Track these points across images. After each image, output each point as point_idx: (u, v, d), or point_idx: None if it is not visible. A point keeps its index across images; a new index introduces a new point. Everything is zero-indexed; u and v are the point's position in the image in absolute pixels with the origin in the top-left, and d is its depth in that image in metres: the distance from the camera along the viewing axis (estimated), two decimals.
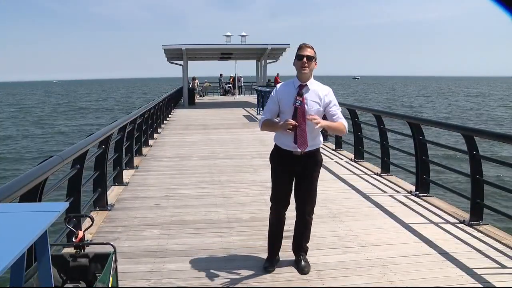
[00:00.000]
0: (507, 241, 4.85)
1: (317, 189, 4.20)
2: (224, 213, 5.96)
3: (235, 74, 35.01)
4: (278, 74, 35.53)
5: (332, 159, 9.75)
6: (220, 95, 38.04)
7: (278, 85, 4.24)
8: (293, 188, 4.19)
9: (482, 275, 4.02)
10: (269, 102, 4.19)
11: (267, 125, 4.13)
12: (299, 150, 3.99)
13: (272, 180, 4.27)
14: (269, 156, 4.27)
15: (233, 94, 34.94)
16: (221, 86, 38.92)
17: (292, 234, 4.36)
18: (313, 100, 4.00)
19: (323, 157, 4.38)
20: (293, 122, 3.88)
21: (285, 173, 4.12)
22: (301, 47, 4.03)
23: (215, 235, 5.16)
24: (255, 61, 33.58)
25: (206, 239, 5.04)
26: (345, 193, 6.97)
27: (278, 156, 4.15)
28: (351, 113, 9.65)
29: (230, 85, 36.98)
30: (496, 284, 3.85)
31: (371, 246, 4.77)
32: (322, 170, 4.29)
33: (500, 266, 4.25)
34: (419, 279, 4.02)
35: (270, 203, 4.32)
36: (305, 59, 3.98)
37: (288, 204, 4.24)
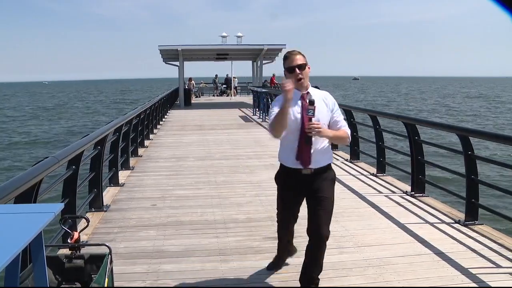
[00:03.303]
0: (502, 240, 4.87)
1: None
2: (220, 213, 5.96)
3: (227, 75, 35.11)
4: (274, 75, 35.58)
5: None
6: (213, 95, 38.07)
7: (279, 97, 3.58)
8: (307, 208, 3.70)
9: (477, 275, 4.03)
10: (274, 107, 3.58)
11: (275, 120, 3.48)
12: (307, 167, 3.57)
13: (278, 203, 3.92)
14: (274, 176, 3.88)
15: (228, 95, 35.02)
16: (216, 86, 38.93)
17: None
18: (321, 108, 3.58)
19: None
20: (289, 84, 3.33)
21: (293, 196, 3.74)
22: (288, 57, 3.57)
23: (211, 235, 5.16)
24: (251, 61, 33.62)
25: (202, 239, 5.04)
26: (341, 193, 6.96)
27: (283, 177, 3.75)
28: (347, 114, 9.68)
29: (225, 85, 37.02)
30: (491, 284, 3.87)
31: (367, 247, 4.78)
32: None
33: (495, 266, 4.27)
34: (415, 279, 4.03)
35: (276, 218, 4.08)
36: (297, 70, 3.54)
37: (295, 222, 3.98)
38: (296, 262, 4.34)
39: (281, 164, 3.75)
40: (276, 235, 5.05)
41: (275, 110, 3.51)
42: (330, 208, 3.62)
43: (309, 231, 3.62)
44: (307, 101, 3.49)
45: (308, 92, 3.60)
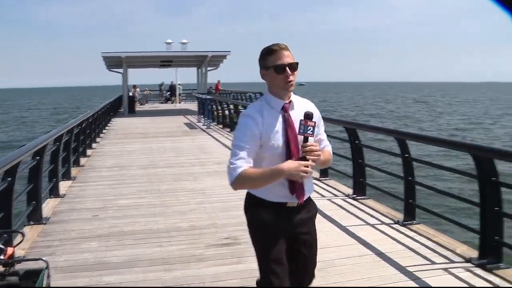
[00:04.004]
0: (437, 238, 5.09)
1: None
2: (163, 222, 5.90)
3: (172, 82, 34.94)
4: (219, 81, 35.63)
5: None
6: (160, 102, 37.68)
7: (250, 111, 2.67)
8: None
9: (413, 272, 4.20)
10: (243, 137, 2.57)
11: (252, 177, 2.52)
12: (300, 200, 2.68)
13: (262, 253, 2.69)
14: (244, 210, 2.80)
15: (172, 102, 34.79)
16: (162, 94, 38.57)
17: None
18: None
19: None
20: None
21: (281, 235, 2.66)
22: (276, 52, 2.59)
23: (154, 245, 5.10)
24: (195, 68, 33.51)
25: (145, 249, 4.97)
26: None
27: (265, 213, 2.66)
28: None
29: (169, 92, 36.73)
30: (426, 280, 4.05)
31: None
32: None
33: (430, 263, 4.46)
34: (357, 280, 4.14)
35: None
36: (288, 70, 2.58)
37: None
38: (240, 268, 4.38)
39: (256, 199, 2.68)
40: (220, 241, 5.10)
41: (249, 147, 2.55)
42: (316, 246, 2.89)
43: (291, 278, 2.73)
44: (304, 115, 2.55)
45: (291, 101, 2.67)
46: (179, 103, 34.23)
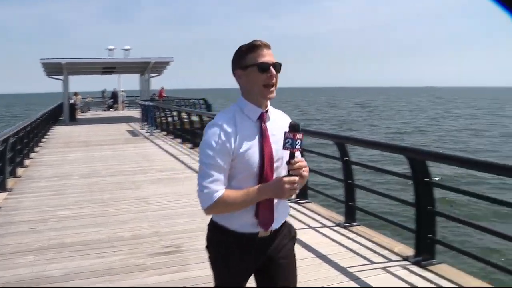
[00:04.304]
0: (376, 238, 5.25)
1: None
2: (105, 232, 5.77)
3: (114, 89, 34.34)
4: (162, 88, 35.25)
5: None
6: (103, 110, 36.87)
7: (220, 119, 2.20)
8: (261, 277, 2.38)
9: (354, 273, 4.32)
10: (212, 153, 2.13)
11: (232, 203, 2.13)
12: (268, 230, 2.26)
13: (219, 282, 2.35)
14: (206, 240, 2.35)
15: (115, 109, 34.16)
16: (104, 101, 37.75)
17: None
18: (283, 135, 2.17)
19: None
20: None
21: (245, 269, 2.31)
22: (259, 48, 2.19)
23: (95, 256, 4.98)
24: (139, 74, 33.02)
25: (86, 261, 4.84)
26: None
27: (230, 245, 2.24)
28: None
29: (112, 99, 36.02)
30: (366, 280, 4.18)
31: None
32: None
33: (369, 263, 4.59)
34: (300, 283, 4.18)
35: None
36: (273, 70, 2.18)
37: None
38: (183, 276, 4.36)
39: (220, 228, 2.26)
40: (162, 250, 5.05)
41: (221, 165, 2.14)
42: (296, 275, 2.45)
43: None
44: (290, 126, 2.15)
45: (267, 110, 2.27)
46: (122, 110, 33.67)
